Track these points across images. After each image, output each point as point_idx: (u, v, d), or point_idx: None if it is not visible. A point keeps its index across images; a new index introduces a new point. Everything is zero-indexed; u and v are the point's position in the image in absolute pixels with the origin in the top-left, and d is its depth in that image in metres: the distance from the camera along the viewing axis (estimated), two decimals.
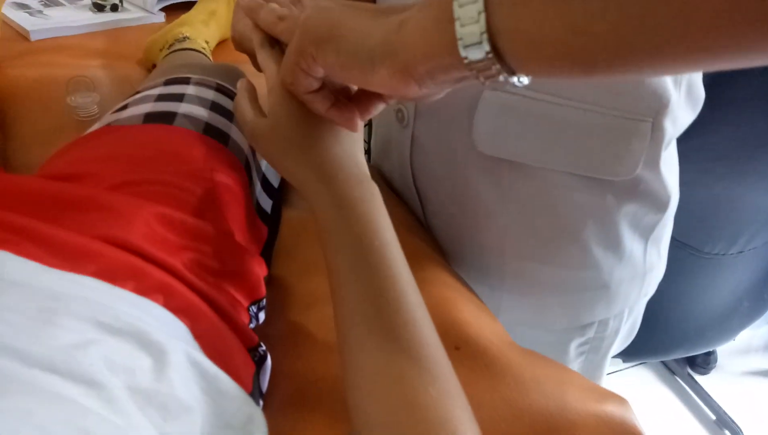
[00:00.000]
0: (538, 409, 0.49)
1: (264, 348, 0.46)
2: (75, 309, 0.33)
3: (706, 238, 1.19)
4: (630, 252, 0.64)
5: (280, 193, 0.68)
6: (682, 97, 0.57)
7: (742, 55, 0.25)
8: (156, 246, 0.41)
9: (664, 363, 1.75)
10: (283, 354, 0.51)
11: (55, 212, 0.40)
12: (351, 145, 0.43)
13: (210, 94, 0.59)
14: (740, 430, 1.55)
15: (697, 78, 0.58)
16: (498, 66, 0.30)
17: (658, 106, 0.55)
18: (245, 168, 0.58)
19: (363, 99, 0.42)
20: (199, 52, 0.94)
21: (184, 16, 1.05)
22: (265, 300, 0.51)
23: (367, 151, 0.90)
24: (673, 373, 1.73)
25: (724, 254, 1.21)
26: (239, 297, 0.46)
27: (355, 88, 0.43)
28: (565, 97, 0.53)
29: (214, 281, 0.44)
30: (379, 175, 0.77)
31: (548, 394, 0.50)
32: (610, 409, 0.50)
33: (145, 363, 0.33)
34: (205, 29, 1.03)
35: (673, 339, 1.41)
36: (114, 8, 1.19)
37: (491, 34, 0.29)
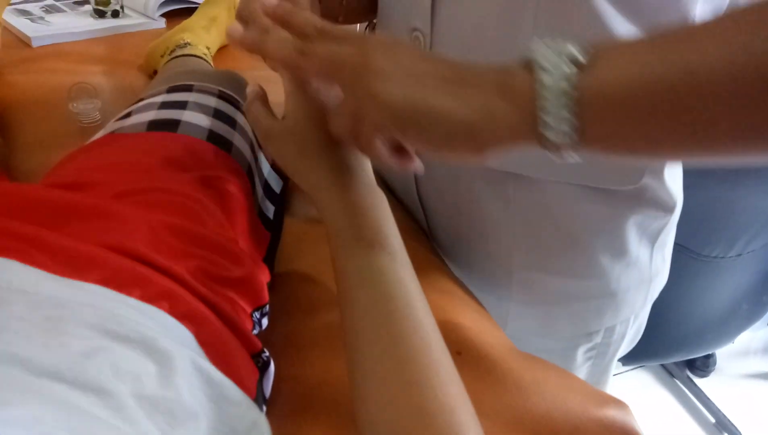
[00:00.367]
0: (539, 414, 0.49)
1: (267, 354, 0.46)
2: (82, 316, 0.33)
3: (705, 241, 1.19)
4: (636, 258, 0.64)
5: (283, 199, 0.68)
6: None
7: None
8: (161, 253, 0.41)
9: (663, 366, 1.75)
10: (286, 360, 0.52)
11: (61, 221, 0.41)
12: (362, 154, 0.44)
13: (212, 101, 0.60)
14: (739, 433, 1.56)
15: None
16: (575, 148, 0.33)
17: None
18: (248, 174, 0.58)
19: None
20: (200, 58, 0.94)
21: (185, 22, 1.06)
22: (268, 306, 0.51)
23: None
24: (672, 375, 1.74)
25: (722, 257, 1.22)
26: (243, 303, 0.47)
27: None
28: None
29: (218, 288, 0.44)
30: (381, 182, 0.77)
31: (549, 398, 0.50)
32: (611, 413, 0.50)
33: (152, 369, 0.33)
34: (206, 35, 1.03)
35: (673, 342, 1.41)
36: (115, 14, 1.19)
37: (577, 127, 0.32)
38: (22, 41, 1.09)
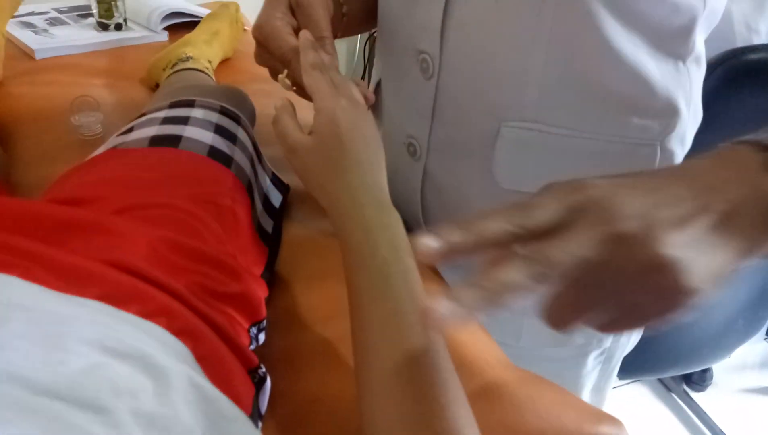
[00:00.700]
0: (533, 430, 0.49)
1: (264, 370, 0.47)
2: (81, 332, 0.34)
3: None
4: None
5: (281, 214, 0.69)
6: (691, 115, 0.59)
7: None
8: (159, 269, 0.42)
9: (660, 380, 1.75)
10: (281, 374, 0.52)
11: (62, 236, 0.41)
12: (381, 172, 0.46)
13: (214, 117, 0.61)
14: None
15: (698, 96, 0.60)
16: None
17: (666, 129, 0.57)
18: (247, 189, 0.59)
19: None
20: (202, 72, 0.95)
21: (188, 36, 1.07)
22: (265, 321, 0.52)
23: None
24: (669, 389, 1.73)
25: None
26: (240, 319, 0.47)
27: None
28: (579, 130, 0.55)
29: (215, 303, 0.45)
30: None
31: (544, 415, 0.51)
32: (606, 430, 0.50)
33: (149, 386, 0.34)
34: (208, 49, 1.04)
35: (668, 356, 1.41)
36: (118, 27, 1.21)
37: None
38: (26, 53, 1.10)
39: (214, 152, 0.56)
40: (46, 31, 1.17)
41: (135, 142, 0.55)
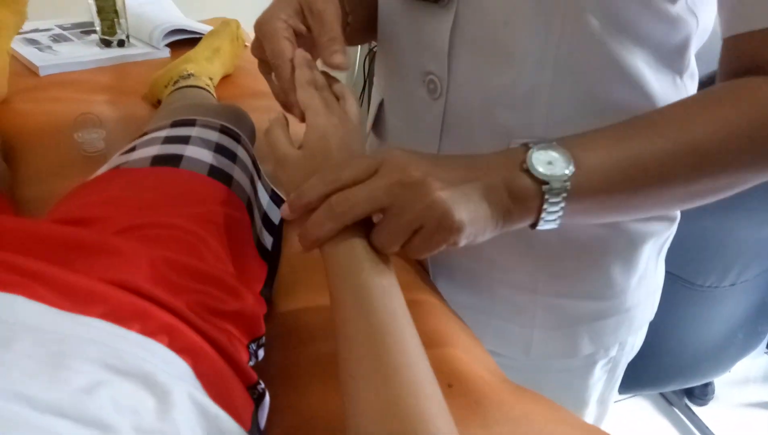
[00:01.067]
0: None
1: (263, 386, 0.47)
2: (84, 351, 0.35)
3: (698, 270, 1.21)
4: (646, 272, 0.67)
5: (281, 230, 0.70)
6: None
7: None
8: (161, 288, 0.42)
9: (661, 394, 1.75)
10: (280, 390, 0.53)
11: (66, 256, 0.42)
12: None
13: (214, 136, 0.62)
14: None
15: None
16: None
17: None
18: (247, 207, 0.60)
19: None
20: (203, 89, 0.97)
21: (189, 53, 1.08)
22: (264, 337, 0.53)
23: None
24: (670, 404, 1.73)
25: (716, 287, 1.23)
26: (240, 335, 0.48)
27: None
28: None
29: (215, 321, 0.45)
30: None
31: (538, 431, 0.51)
32: None
33: (150, 403, 0.34)
34: (209, 66, 1.06)
35: (669, 371, 1.41)
36: (121, 44, 1.22)
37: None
38: (30, 70, 1.12)
39: (214, 171, 0.57)
40: (50, 47, 1.19)
41: (137, 162, 0.56)
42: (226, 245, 0.52)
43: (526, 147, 0.46)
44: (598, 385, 0.74)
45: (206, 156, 0.58)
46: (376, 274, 0.43)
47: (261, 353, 0.53)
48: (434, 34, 0.56)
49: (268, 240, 0.65)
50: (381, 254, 0.44)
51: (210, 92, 0.99)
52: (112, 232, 0.47)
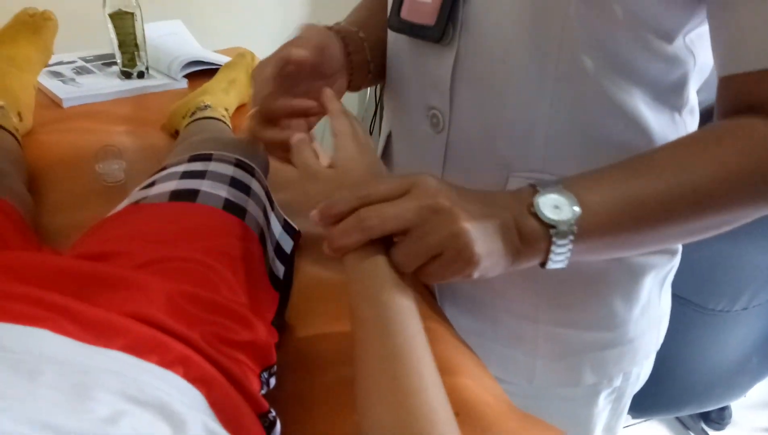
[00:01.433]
0: None
1: (274, 414, 0.49)
2: (106, 382, 0.37)
3: (709, 295, 1.21)
4: (648, 303, 0.68)
5: (293, 259, 0.72)
6: None
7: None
8: (177, 320, 0.45)
9: (678, 418, 1.73)
10: (291, 417, 0.54)
11: (88, 290, 0.45)
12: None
13: (229, 170, 0.64)
14: None
15: None
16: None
17: None
18: (260, 238, 0.62)
19: None
20: (219, 120, 1.00)
21: (206, 85, 1.12)
22: (276, 366, 0.54)
23: None
24: (687, 428, 1.71)
25: (728, 311, 1.23)
26: (252, 365, 0.50)
27: None
28: None
29: (228, 351, 0.47)
30: None
31: None
32: None
33: (166, 432, 0.36)
34: (225, 97, 1.09)
35: (682, 395, 1.40)
36: (140, 75, 1.27)
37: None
38: (54, 102, 1.16)
39: (228, 205, 0.60)
40: (73, 80, 1.23)
41: (156, 197, 0.59)
42: (240, 277, 0.54)
43: (534, 189, 0.48)
44: (603, 414, 0.74)
45: (221, 190, 0.61)
46: (398, 292, 0.44)
47: (273, 381, 0.55)
48: (437, 70, 0.58)
49: (279, 269, 0.67)
50: (402, 273, 0.46)
51: (226, 123, 1.02)
52: (131, 266, 0.49)
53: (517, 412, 0.58)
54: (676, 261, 0.69)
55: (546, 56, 0.52)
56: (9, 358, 0.36)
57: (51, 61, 1.30)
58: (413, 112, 0.63)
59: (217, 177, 0.62)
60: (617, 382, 0.72)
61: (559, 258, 0.48)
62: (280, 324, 0.62)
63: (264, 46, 1.63)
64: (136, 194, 0.62)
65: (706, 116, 0.87)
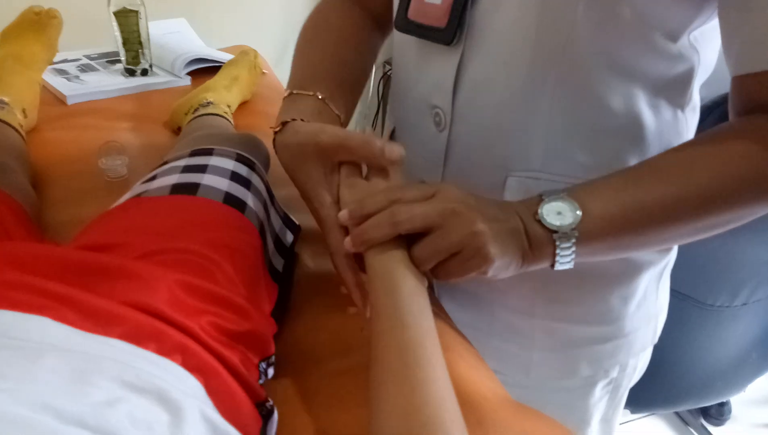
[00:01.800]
0: None
1: (271, 403, 0.50)
2: (104, 369, 0.38)
3: (708, 290, 1.21)
4: (645, 298, 0.68)
5: (293, 252, 0.73)
6: None
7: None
8: (176, 310, 0.46)
9: (677, 413, 1.73)
10: (290, 408, 0.55)
11: (90, 280, 0.46)
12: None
13: (230, 165, 0.65)
14: None
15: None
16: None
17: None
18: (260, 231, 0.63)
19: None
20: (221, 116, 1.01)
21: (209, 82, 1.13)
22: (274, 356, 0.55)
23: None
24: (686, 423, 1.71)
25: (728, 306, 1.23)
26: (250, 355, 0.51)
27: None
28: (582, 177, 0.57)
29: (227, 341, 0.48)
30: None
31: None
32: None
33: (164, 418, 0.37)
34: (227, 94, 1.10)
35: (682, 390, 1.41)
36: (144, 72, 1.28)
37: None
38: (58, 99, 1.17)
39: (229, 198, 0.61)
40: (77, 77, 1.24)
41: (157, 190, 0.60)
42: (239, 268, 0.55)
43: (540, 198, 0.51)
44: (599, 404, 0.75)
45: (222, 184, 0.62)
46: (415, 290, 0.48)
47: (271, 371, 0.56)
48: (442, 71, 0.59)
49: (279, 262, 0.68)
50: (418, 272, 0.49)
51: (228, 119, 1.03)
52: (132, 257, 0.50)
53: (514, 403, 0.59)
54: (673, 256, 0.69)
55: (549, 60, 0.53)
56: (11, 344, 0.37)
57: (56, 59, 1.30)
58: (417, 110, 0.64)
59: (218, 171, 0.63)
60: (614, 374, 0.73)
61: (565, 260, 0.51)
62: (279, 316, 0.63)
63: (267, 44, 1.64)
64: (137, 188, 0.63)
65: (706, 113, 0.88)
